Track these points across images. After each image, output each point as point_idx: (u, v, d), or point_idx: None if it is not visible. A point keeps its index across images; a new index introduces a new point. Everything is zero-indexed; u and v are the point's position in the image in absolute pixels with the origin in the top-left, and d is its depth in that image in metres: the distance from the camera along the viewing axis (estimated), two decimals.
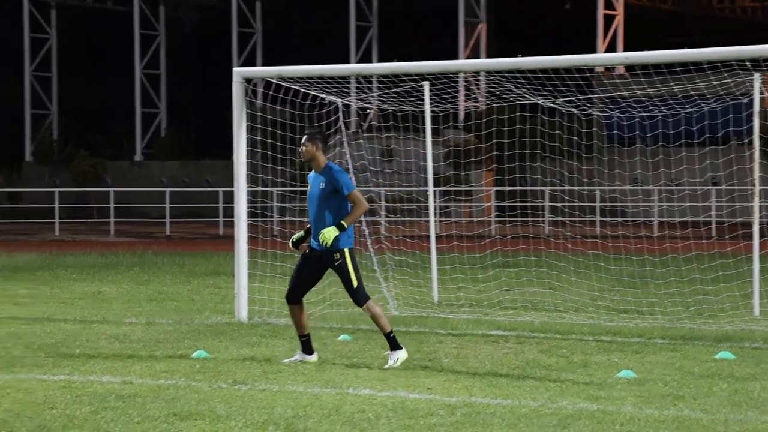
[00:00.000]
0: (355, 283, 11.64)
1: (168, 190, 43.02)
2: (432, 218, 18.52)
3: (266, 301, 16.02)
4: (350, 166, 18.26)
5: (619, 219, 31.65)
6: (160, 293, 19.18)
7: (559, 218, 31.08)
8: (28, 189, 52.57)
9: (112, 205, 40.99)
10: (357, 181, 18.79)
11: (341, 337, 13.58)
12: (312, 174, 11.89)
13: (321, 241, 11.50)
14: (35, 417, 8.96)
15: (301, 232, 12.00)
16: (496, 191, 39.49)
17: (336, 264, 11.62)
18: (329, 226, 11.54)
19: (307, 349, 11.92)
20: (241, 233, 15.45)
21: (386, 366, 11.53)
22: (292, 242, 12.01)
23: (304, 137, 11.85)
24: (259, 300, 15.93)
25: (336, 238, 11.50)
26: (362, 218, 17.42)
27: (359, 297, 11.70)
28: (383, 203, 35.50)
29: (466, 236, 24.95)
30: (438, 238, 19.40)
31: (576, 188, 35.01)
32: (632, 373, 11.07)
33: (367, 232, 17.36)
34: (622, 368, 11.36)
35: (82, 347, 12.75)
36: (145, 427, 8.62)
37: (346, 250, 11.63)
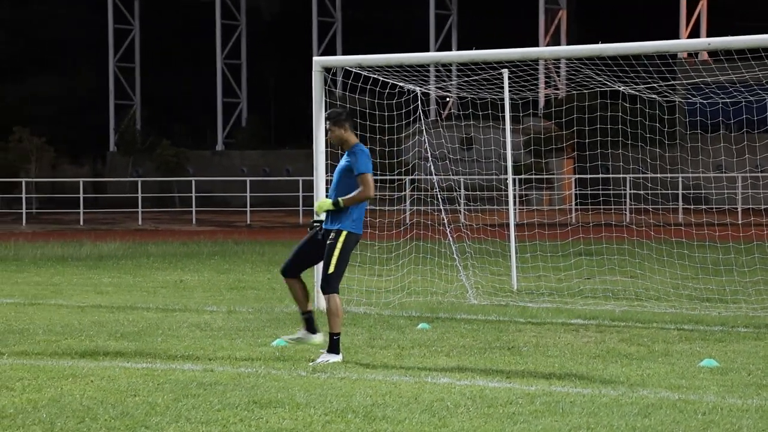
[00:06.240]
0: (331, 269, 11.05)
1: (248, 179, 43.35)
2: (511, 206, 18.44)
3: (345, 289, 16.06)
4: (429, 155, 18.24)
5: (703, 206, 31.28)
6: (240, 282, 19.33)
7: (641, 206, 30.80)
8: (112, 179, 53.27)
9: (193, 195, 41.41)
10: (436, 169, 18.77)
11: (420, 326, 13.57)
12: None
13: (315, 208, 11.24)
14: (118, 404, 9.07)
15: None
16: (577, 179, 39.23)
17: (328, 242, 11.15)
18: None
19: (311, 327, 11.42)
20: None
21: (316, 361, 10.90)
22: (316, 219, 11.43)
23: (328, 122, 11.40)
24: (339, 288, 15.94)
25: (333, 214, 11.13)
26: (441, 207, 17.42)
27: (329, 284, 11.07)
28: (463, 191, 35.41)
29: (547, 224, 24.82)
30: (518, 226, 19.33)
31: (658, 175, 34.66)
32: (715, 362, 10.94)
33: (446, 221, 17.34)
34: (705, 357, 11.23)
35: (164, 335, 12.89)
36: (226, 415, 8.69)
37: (345, 233, 11.13)
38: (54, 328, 13.45)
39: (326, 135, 11.60)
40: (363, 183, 11.17)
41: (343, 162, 11.42)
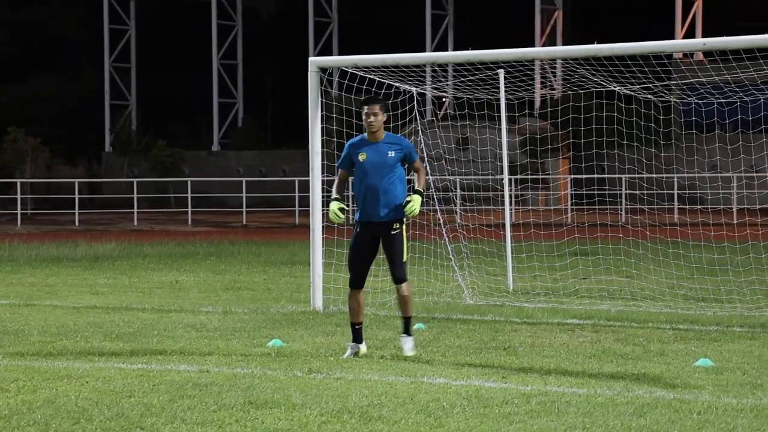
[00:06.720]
0: (405, 257, 11.31)
1: (244, 179, 43.34)
2: (507, 206, 18.45)
3: (341, 290, 16.06)
4: (425, 155, 18.25)
5: (698, 206, 31.32)
6: (236, 282, 19.32)
7: (637, 206, 30.83)
8: (108, 179, 53.24)
9: (189, 195, 41.39)
10: (432, 169, 18.79)
11: (416, 326, 13.56)
12: (364, 144, 11.33)
13: (410, 212, 11.16)
14: (113, 405, 9.07)
15: (339, 202, 11.32)
16: (573, 179, 39.26)
17: (393, 233, 11.26)
18: (398, 195, 11.23)
19: (359, 338, 11.58)
20: (316, 222, 15.51)
21: (409, 349, 11.41)
22: (340, 212, 11.26)
23: (373, 104, 11.28)
24: (335, 289, 15.99)
25: (391, 206, 11.23)
26: (437, 207, 17.42)
27: (404, 271, 11.34)
28: (459, 191, 35.45)
29: (542, 224, 24.83)
30: (514, 226, 19.33)
31: (654, 175, 34.70)
32: (710, 361, 10.95)
33: (442, 221, 17.34)
34: (700, 357, 11.25)
35: (160, 336, 12.89)
36: (222, 416, 8.69)
37: (404, 221, 11.36)
38: (49, 329, 13.44)
39: (369, 116, 11.29)
40: (421, 167, 11.47)
41: (382, 155, 11.23)
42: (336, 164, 11.82)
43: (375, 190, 11.29)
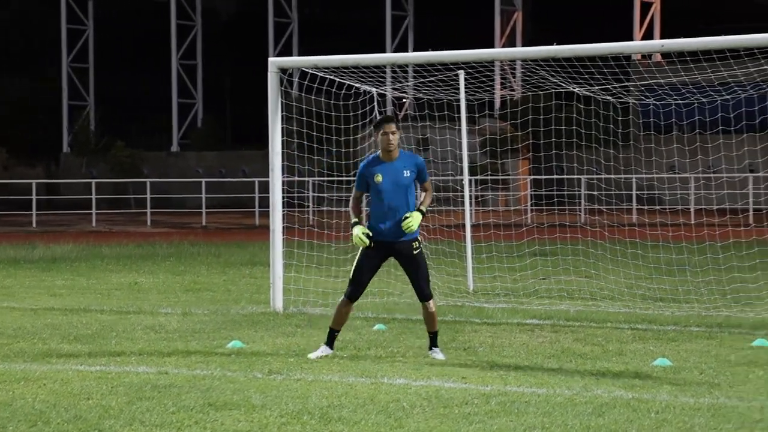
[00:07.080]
0: (429, 275, 11.44)
1: (204, 180, 43.19)
2: (468, 207, 18.49)
3: (301, 291, 16.06)
4: None
5: (656, 207, 31.52)
6: (195, 284, 19.26)
7: (596, 206, 30.98)
8: (66, 180, 52.91)
9: (148, 196, 41.19)
10: None
11: (376, 327, 13.59)
12: (379, 164, 11.26)
13: (406, 228, 11.08)
14: (71, 407, 9.02)
15: (362, 226, 11.23)
16: (532, 180, 39.38)
17: (415, 253, 11.27)
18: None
19: (332, 343, 11.63)
20: (276, 223, 15.48)
21: (439, 355, 11.42)
22: (365, 237, 11.15)
23: (391, 123, 11.26)
24: (295, 290, 15.97)
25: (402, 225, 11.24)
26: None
27: (430, 288, 11.47)
28: (419, 192, 35.41)
29: (502, 225, 24.90)
30: (474, 226, 19.37)
31: (612, 176, 34.88)
32: (668, 361, 11.03)
33: None
34: (658, 356, 11.32)
35: (118, 338, 12.83)
36: (180, 417, 8.66)
37: (420, 239, 11.41)
38: (6, 331, 13.35)
39: (387, 134, 11.23)
40: (430, 187, 11.48)
41: (398, 173, 11.18)
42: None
43: (392, 210, 11.22)
